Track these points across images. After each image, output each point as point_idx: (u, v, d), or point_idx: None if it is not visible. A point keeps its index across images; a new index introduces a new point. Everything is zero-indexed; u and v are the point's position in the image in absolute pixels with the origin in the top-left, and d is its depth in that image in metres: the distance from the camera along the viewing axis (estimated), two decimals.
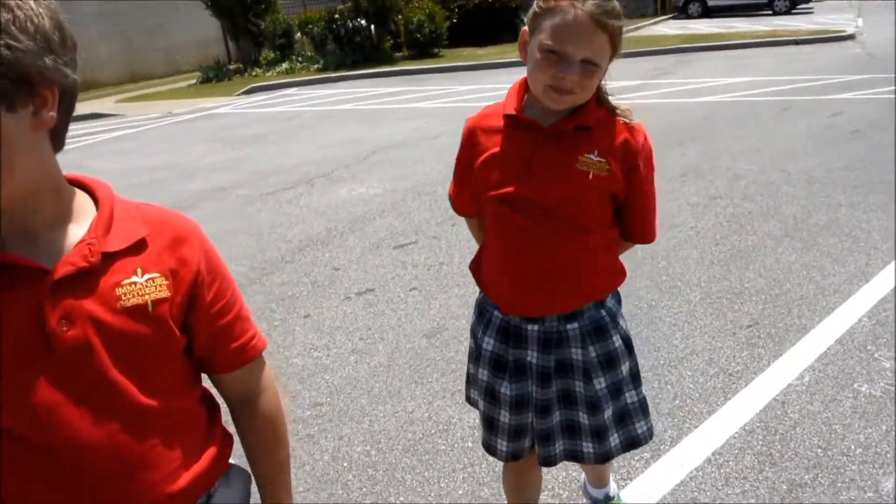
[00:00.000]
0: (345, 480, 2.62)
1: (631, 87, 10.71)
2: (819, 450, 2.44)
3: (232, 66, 21.95)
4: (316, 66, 19.70)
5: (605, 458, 1.80)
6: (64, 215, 1.00)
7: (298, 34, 21.37)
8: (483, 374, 1.78)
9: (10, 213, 0.94)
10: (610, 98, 1.64)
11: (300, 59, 20.71)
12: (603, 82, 1.59)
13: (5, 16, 0.86)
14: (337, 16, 19.82)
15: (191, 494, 1.10)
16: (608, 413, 1.75)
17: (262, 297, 4.48)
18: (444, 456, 2.68)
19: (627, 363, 1.80)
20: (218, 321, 1.12)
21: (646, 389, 2.81)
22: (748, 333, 3.29)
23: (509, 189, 1.61)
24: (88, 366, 0.98)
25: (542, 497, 2.38)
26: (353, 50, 19.29)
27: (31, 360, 0.95)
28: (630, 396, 1.81)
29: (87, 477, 1.00)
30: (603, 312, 1.74)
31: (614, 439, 1.79)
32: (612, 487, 2.25)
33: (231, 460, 1.22)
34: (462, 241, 4.93)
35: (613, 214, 1.69)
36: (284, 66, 20.36)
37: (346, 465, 2.72)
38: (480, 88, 12.96)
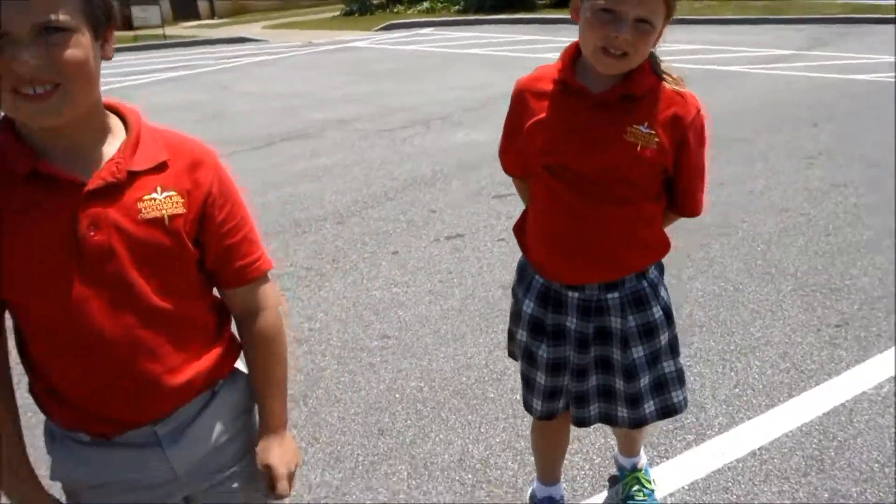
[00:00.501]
0: (393, 410, 2.77)
1: (781, 57, 10.02)
2: (875, 464, 2.33)
3: (376, 2, 22.22)
4: (456, 7, 19.62)
5: (638, 423, 1.83)
6: (100, 136, 1.13)
7: None
8: (522, 334, 1.83)
9: (70, 128, 1.08)
10: (663, 65, 1.60)
11: (440, 1, 20.67)
12: (656, 48, 1.56)
13: None
14: None
15: (192, 387, 1.25)
16: (644, 381, 1.78)
17: (358, 230, 4.68)
18: (491, 404, 2.77)
19: (667, 333, 1.81)
20: (226, 240, 1.24)
21: (707, 373, 2.79)
22: (833, 333, 3.13)
23: (554, 156, 1.62)
24: (110, 267, 1.12)
25: (576, 460, 2.43)
26: None
27: (63, 259, 1.10)
28: (668, 366, 1.83)
29: (105, 361, 1.16)
30: (644, 283, 1.75)
31: (649, 406, 1.82)
32: (642, 459, 2.27)
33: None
34: None
35: (662, 186, 1.67)
36: (426, 4, 20.42)
37: (397, 396, 2.86)
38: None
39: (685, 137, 1.60)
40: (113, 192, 1.11)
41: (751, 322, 3.25)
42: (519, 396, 2.63)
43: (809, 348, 3.03)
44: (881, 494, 2.21)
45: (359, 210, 5.07)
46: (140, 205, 1.13)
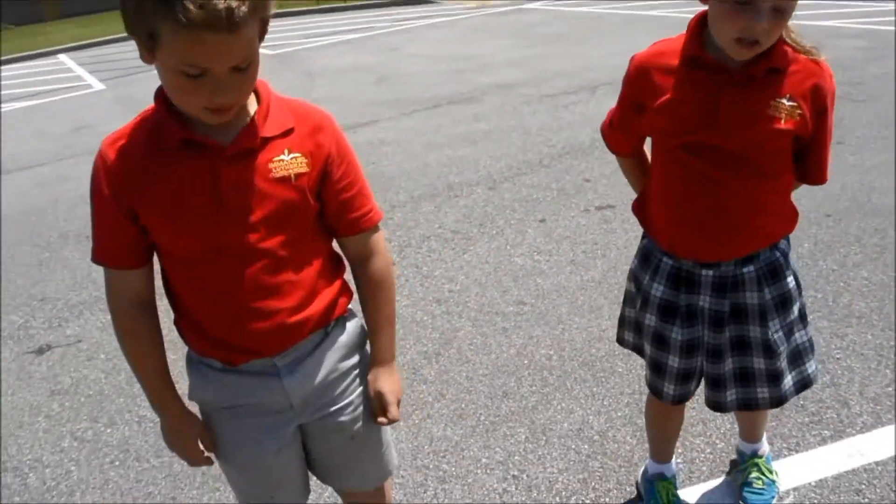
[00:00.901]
0: (520, 375, 2.85)
1: None
2: None
3: None
4: None
5: (779, 401, 1.81)
6: (239, 107, 1.28)
7: None
8: (651, 319, 1.82)
9: None
10: (794, 35, 1.52)
11: None
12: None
13: None
14: None
15: (308, 326, 1.41)
16: (784, 356, 1.76)
17: (508, 196, 4.75)
18: (618, 378, 2.77)
19: (798, 302, 1.78)
20: (342, 195, 1.39)
21: (858, 367, 2.62)
22: None
23: (692, 135, 1.59)
24: (245, 219, 1.29)
25: (697, 443, 2.39)
26: None
27: (207, 211, 1.28)
28: (801, 336, 1.80)
29: (235, 300, 1.34)
30: (777, 253, 1.73)
31: (788, 382, 1.80)
32: (764, 446, 2.19)
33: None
34: None
35: (793, 156, 1.62)
36: None
37: (526, 362, 2.93)
38: (814, 4, 11.45)
39: (825, 107, 1.57)
40: (248, 155, 1.28)
41: None
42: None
43: None
44: None
45: (512, 176, 5.13)
46: (271, 165, 1.29)
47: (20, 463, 2.70)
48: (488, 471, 2.38)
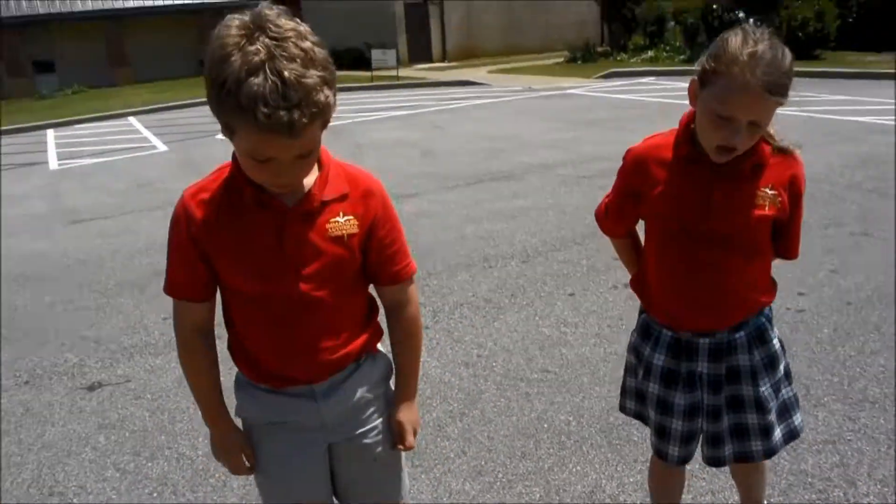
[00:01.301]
0: (538, 438, 2.98)
1: None
2: None
3: (600, 49, 22.55)
4: (681, 57, 19.34)
5: (771, 452, 1.95)
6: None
7: (672, 23, 21.11)
8: (654, 387, 1.97)
9: None
10: (772, 132, 1.73)
11: (668, 48, 20.50)
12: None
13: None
14: (715, 7, 19.14)
15: (346, 360, 1.62)
16: (773, 410, 1.92)
17: (541, 270, 4.95)
18: (632, 446, 2.88)
19: (783, 361, 1.96)
20: (385, 251, 1.61)
21: (868, 450, 2.72)
22: None
23: (689, 221, 1.79)
24: (302, 270, 1.51)
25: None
26: None
27: (271, 261, 1.51)
28: (787, 392, 1.97)
29: (285, 336, 1.56)
30: (763, 319, 1.91)
31: (777, 435, 1.94)
32: None
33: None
34: None
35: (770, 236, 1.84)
36: (650, 53, 20.35)
37: (545, 426, 3.07)
38: (851, 101, 11.68)
39: (799, 193, 1.79)
40: (309, 216, 1.51)
41: None
42: None
43: None
44: None
45: (545, 251, 5.34)
46: (328, 226, 1.52)
47: (65, 489, 2.90)
48: None
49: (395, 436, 1.71)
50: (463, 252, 5.45)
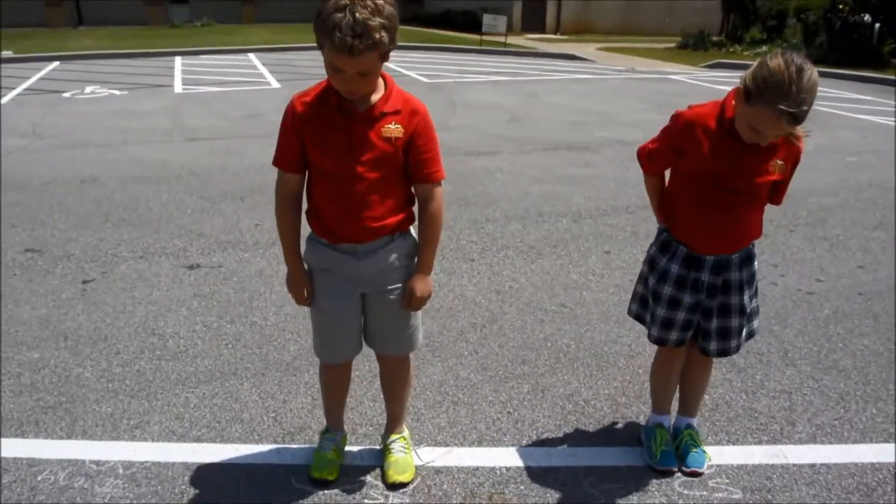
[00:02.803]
0: (539, 352, 3.56)
1: None
2: None
3: (715, 39, 22.13)
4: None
5: (738, 348, 2.65)
6: (373, 91, 2.16)
7: (793, 19, 20.50)
8: (668, 289, 2.56)
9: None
10: None
11: (784, 44, 19.96)
12: None
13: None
14: (841, 6, 18.48)
15: (385, 230, 2.27)
16: (747, 315, 2.59)
17: (587, 229, 5.46)
18: (615, 370, 3.42)
19: (756, 280, 2.63)
20: (421, 156, 2.24)
21: (819, 402, 3.13)
22: None
23: (720, 177, 2.38)
24: (361, 156, 2.16)
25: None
26: (845, 47, 17.90)
27: (344, 148, 2.16)
28: (755, 303, 2.65)
29: (346, 204, 2.22)
30: (751, 247, 2.58)
31: (744, 335, 2.63)
32: (695, 422, 2.82)
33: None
34: None
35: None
36: (765, 48, 19.84)
37: (549, 345, 3.63)
38: None
39: (797, 163, 2.44)
40: (371, 120, 2.16)
41: None
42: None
43: None
44: None
45: (596, 215, 5.83)
46: (382, 129, 2.17)
47: (164, 332, 3.70)
48: (490, 404, 3.13)
49: (405, 296, 2.36)
50: (522, 206, 6.01)
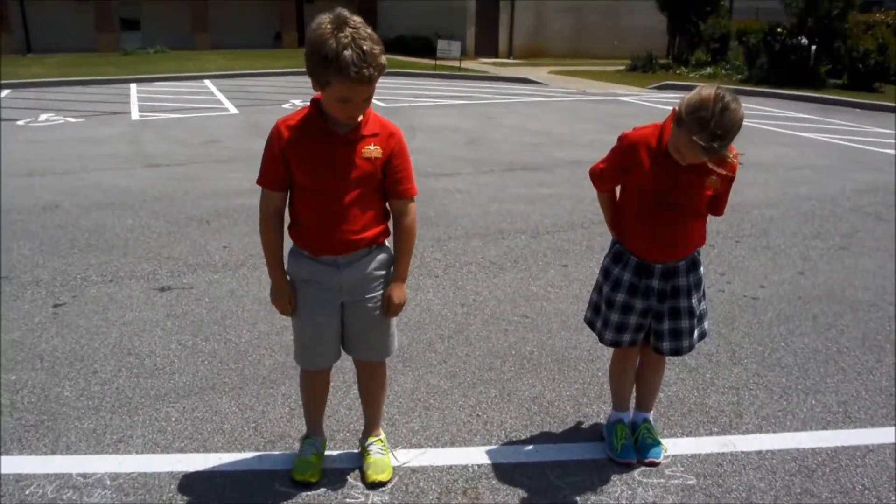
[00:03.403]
0: (505, 359, 3.75)
1: None
2: None
3: (662, 61, 22.90)
4: (739, 76, 19.66)
5: (691, 348, 2.85)
6: None
7: (735, 42, 21.37)
8: (621, 296, 2.77)
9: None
10: None
11: (728, 66, 20.79)
12: None
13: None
14: (779, 30, 19.38)
15: (363, 243, 2.45)
16: (696, 317, 2.79)
17: (545, 245, 5.69)
18: (576, 374, 3.63)
19: (703, 285, 2.85)
20: (396, 175, 2.44)
21: (765, 397, 3.39)
22: None
23: (662, 193, 2.61)
24: (345, 175, 2.34)
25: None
26: (784, 68, 18.75)
27: (327, 169, 2.34)
28: (703, 305, 2.87)
29: (327, 219, 2.39)
30: (696, 253, 2.80)
31: (696, 335, 2.84)
32: (651, 417, 3.03)
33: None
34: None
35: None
36: (709, 70, 20.68)
37: (513, 352, 3.84)
38: (893, 134, 12.02)
39: (731, 180, 2.62)
40: (353, 142, 2.36)
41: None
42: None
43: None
44: None
45: (554, 231, 6.09)
46: (363, 151, 2.37)
47: (140, 352, 3.79)
48: (460, 408, 3.30)
49: (384, 303, 2.55)
50: (482, 224, 6.23)
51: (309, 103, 2.39)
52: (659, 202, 2.62)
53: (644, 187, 2.64)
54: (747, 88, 17.70)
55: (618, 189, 2.86)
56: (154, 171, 8.08)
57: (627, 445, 2.93)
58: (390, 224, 2.56)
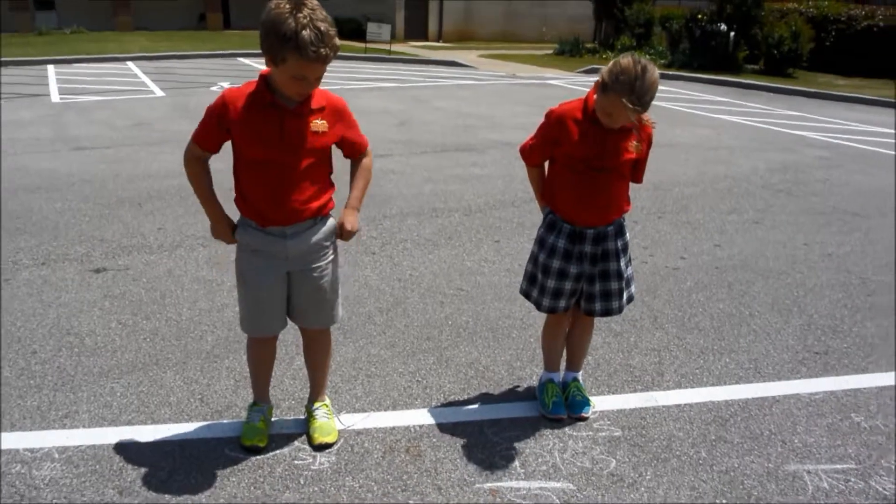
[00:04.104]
0: (442, 328, 3.92)
1: None
2: None
3: (589, 46, 23.41)
4: (662, 61, 20.30)
5: (621, 309, 3.05)
6: None
7: (659, 28, 22.03)
8: (555, 262, 2.94)
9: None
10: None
11: (651, 51, 21.42)
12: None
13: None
14: (700, 16, 20.09)
15: (308, 213, 2.55)
16: (625, 279, 2.99)
17: (478, 222, 5.88)
18: (510, 341, 3.83)
19: (629, 250, 3.05)
20: (349, 138, 2.61)
21: (683, 357, 3.65)
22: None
23: (589, 159, 2.80)
24: (293, 147, 2.45)
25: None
26: (704, 53, 19.47)
27: (275, 139, 2.43)
28: (630, 270, 3.07)
29: (275, 189, 2.48)
30: (622, 219, 2.99)
31: (625, 297, 3.04)
32: (580, 375, 3.26)
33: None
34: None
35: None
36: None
37: (450, 322, 4.00)
38: (803, 117, 12.71)
39: (650, 144, 2.87)
40: (301, 115, 2.45)
41: None
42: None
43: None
44: None
45: (486, 209, 6.28)
46: (312, 125, 2.47)
47: (79, 332, 3.79)
48: (400, 375, 3.45)
49: (338, 231, 2.70)
50: (416, 204, 6.37)
51: (258, 77, 2.48)
52: (587, 168, 2.80)
53: (573, 155, 2.82)
54: (670, 73, 18.33)
55: (546, 165, 3.04)
56: (81, 154, 7.89)
57: (558, 402, 3.14)
58: (333, 196, 2.68)
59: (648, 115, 2.78)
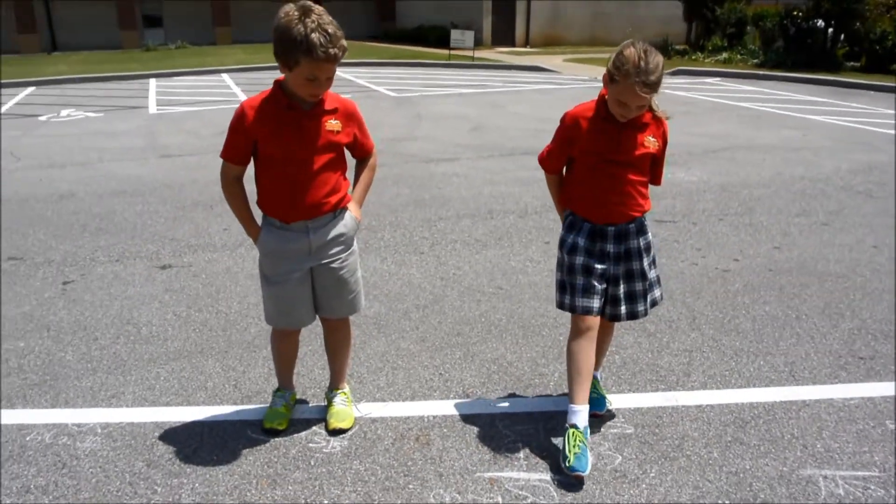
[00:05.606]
0: (474, 325, 4.00)
1: None
2: None
3: (679, 47, 22.83)
4: (755, 60, 19.57)
5: (645, 313, 3.01)
6: None
7: (751, 27, 21.25)
8: (578, 259, 2.96)
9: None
10: (654, 107, 2.78)
11: (743, 51, 20.69)
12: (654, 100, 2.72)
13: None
14: (795, 13, 19.25)
15: (328, 206, 2.73)
16: (649, 279, 2.99)
17: (531, 224, 5.91)
18: (540, 339, 3.87)
19: (653, 249, 3.04)
20: (358, 139, 2.78)
21: (716, 358, 3.58)
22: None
23: (606, 154, 2.84)
24: (310, 146, 2.63)
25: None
26: (800, 51, 18.64)
27: (294, 141, 2.61)
28: (655, 272, 3.05)
29: (295, 186, 2.67)
30: (644, 217, 2.98)
31: (649, 300, 3.01)
32: (599, 373, 3.26)
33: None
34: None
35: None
36: (725, 55, 20.58)
37: (483, 319, 4.08)
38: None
39: (666, 142, 2.88)
40: (316, 116, 2.63)
41: None
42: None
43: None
44: None
45: (542, 211, 6.31)
46: (325, 124, 2.65)
47: (138, 321, 4.11)
48: (424, 368, 3.56)
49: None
50: (474, 206, 6.48)
51: (272, 84, 2.66)
52: (603, 162, 2.81)
53: (588, 150, 2.84)
54: (762, 73, 17.66)
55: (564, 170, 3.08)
56: (166, 161, 8.44)
57: (581, 455, 2.74)
58: (350, 191, 2.85)
59: (664, 109, 2.80)
